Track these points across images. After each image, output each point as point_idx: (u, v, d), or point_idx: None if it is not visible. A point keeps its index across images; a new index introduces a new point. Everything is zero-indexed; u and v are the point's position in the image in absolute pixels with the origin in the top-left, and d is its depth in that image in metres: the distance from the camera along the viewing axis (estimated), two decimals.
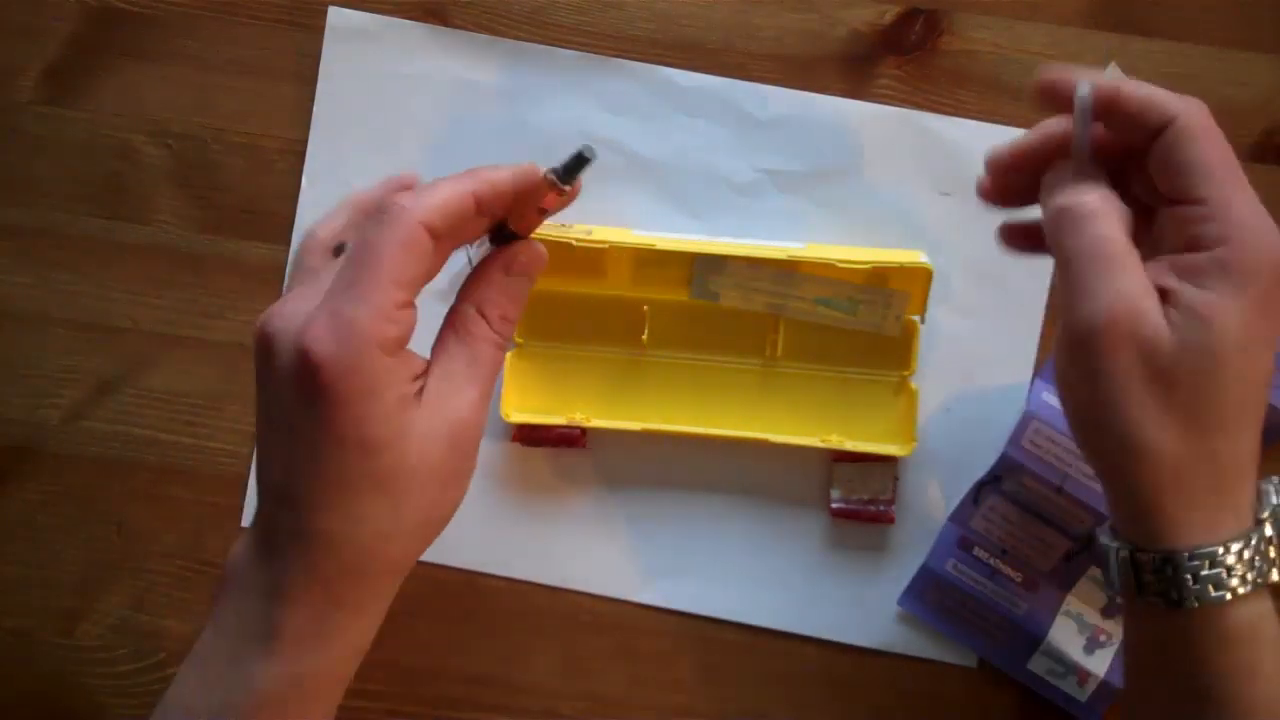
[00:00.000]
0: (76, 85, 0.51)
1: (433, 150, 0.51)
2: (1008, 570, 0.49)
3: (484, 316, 0.35)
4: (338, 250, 0.36)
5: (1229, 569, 0.32)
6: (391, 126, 0.51)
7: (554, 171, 0.34)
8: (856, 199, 0.50)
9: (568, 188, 0.34)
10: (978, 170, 0.50)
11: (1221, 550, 0.32)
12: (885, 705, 0.50)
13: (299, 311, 0.32)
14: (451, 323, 0.35)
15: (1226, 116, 0.50)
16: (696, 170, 0.51)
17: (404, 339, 0.33)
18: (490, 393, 0.35)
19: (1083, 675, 0.48)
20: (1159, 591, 0.33)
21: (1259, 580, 0.32)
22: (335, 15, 0.51)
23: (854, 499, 0.49)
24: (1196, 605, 0.32)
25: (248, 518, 0.51)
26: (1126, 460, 0.33)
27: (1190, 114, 0.33)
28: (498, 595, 0.50)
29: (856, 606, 0.50)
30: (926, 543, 0.50)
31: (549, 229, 0.46)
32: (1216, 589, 0.32)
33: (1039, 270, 0.50)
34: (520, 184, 0.35)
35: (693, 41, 0.51)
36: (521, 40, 0.51)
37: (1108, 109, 0.34)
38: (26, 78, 0.51)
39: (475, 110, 0.51)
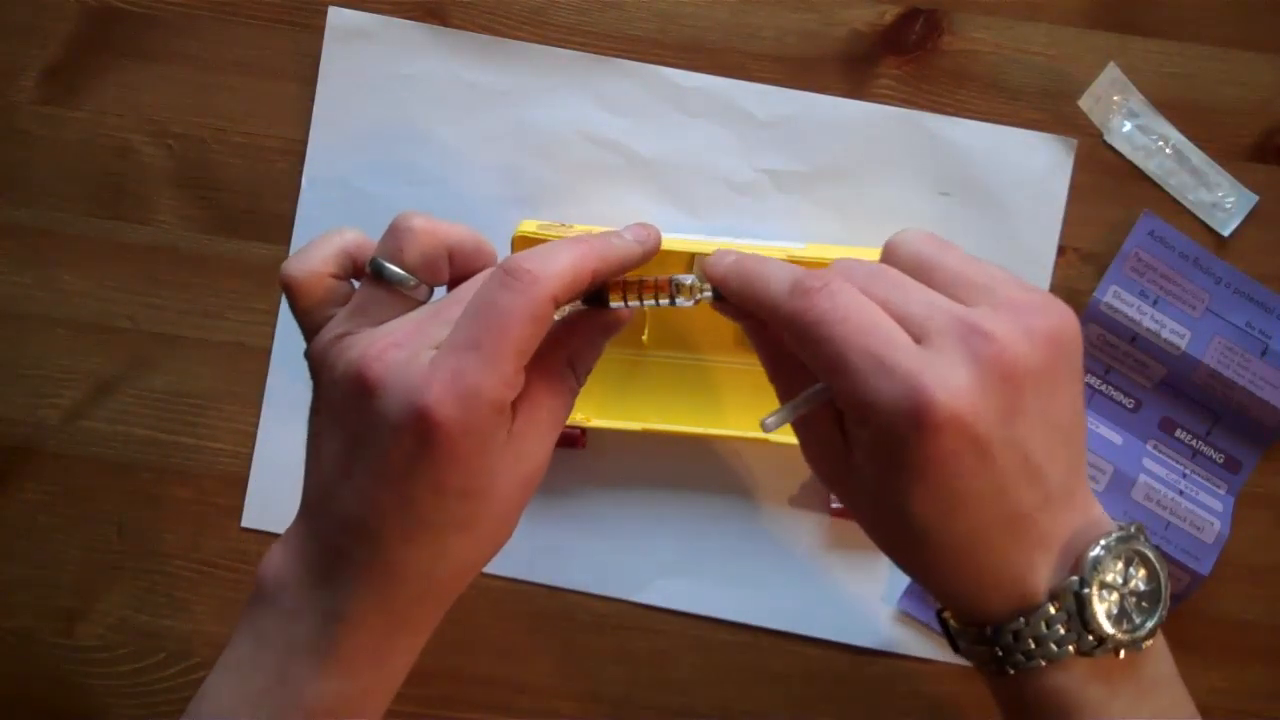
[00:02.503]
0: (76, 85, 0.51)
1: (433, 150, 0.51)
2: None
3: (575, 371, 0.36)
4: (375, 272, 0.34)
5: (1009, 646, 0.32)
6: (391, 126, 0.51)
7: (708, 290, 0.35)
8: (856, 199, 0.50)
9: (698, 300, 0.35)
10: (978, 170, 0.50)
11: (990, 631, 0.33)
12: (885, 705, 0.50)
13: (406, 360, 0.32)
14: (542, 371, 0.35)
15: (1226, 116, 0.50)
16: (696, 170, 0.51)
17: (513, 396, 0.33)
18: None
19: None
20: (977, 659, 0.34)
21: (1047, 655, 0.32)
22: (335, 15, 0.51)
23: None
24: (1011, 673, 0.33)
25: (248, 518, 0.51)
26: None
27: (789, 319, 0.32)
28: (498, 595, 0.50)
29: (856, 606, 0.50)
30: None
31: (547, 230, 0.46)
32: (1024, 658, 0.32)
33: (1039, 270, 0.50)
34: (635, 261, 0.36)
35: (693, 41, 0.51)
36: (521, 40, 0.51)
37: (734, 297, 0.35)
38: (26, 78, 0.51)
39: (475, 110, 0.51)
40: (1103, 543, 0.32)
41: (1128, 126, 0.50)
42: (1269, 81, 0.50)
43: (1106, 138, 0.50)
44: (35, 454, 0.51)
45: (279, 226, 0.51)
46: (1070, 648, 0.32)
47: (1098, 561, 0.31)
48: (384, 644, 0.35)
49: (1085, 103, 0.50)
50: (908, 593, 0.50)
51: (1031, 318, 0.31)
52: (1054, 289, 0.50)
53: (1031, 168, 0.50)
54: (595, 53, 0.51)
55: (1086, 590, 0.31)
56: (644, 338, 0.50)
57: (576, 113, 0.51)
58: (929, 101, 0.50)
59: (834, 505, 0.49)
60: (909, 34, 0.50)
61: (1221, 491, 0.50)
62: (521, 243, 0.45)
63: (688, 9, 0.51)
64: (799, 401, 0.34)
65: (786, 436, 0.48)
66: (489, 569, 0.50)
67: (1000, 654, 0.32)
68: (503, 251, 0.44)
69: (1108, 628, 0.31)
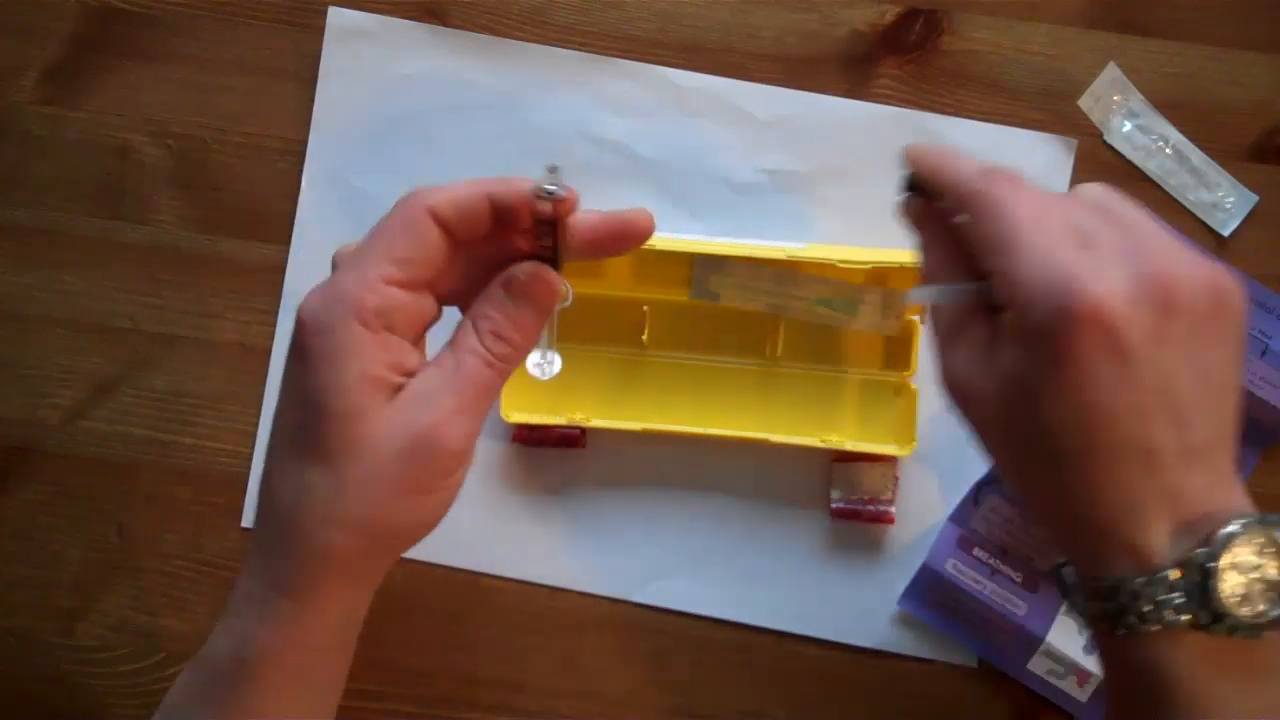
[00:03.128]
0: (76, 85, 0.51)
1: (433, 150, 0.51)
2: (1008, 570, 0.49)
3: (476, 330, 0.35)
4: None
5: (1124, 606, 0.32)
6: (391, 126, 0.51)
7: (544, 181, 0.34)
8: (856, 199, 0.50)
9: (547, 197, 0.34)
10: None
11: (1112, 586, 0.32)
12: (885, 705, 0.50)
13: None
14: (455, 336, 0.35)
15: (1226, 116, 0.50)
16: (696, 170, 0.51)
17: (385, 313, 0.33)
18: (473, 410, 0.34)
19: (1082, 676, 0.48)
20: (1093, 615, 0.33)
21: (1155, 623, 0.31)
22: (335, 15, 0.51)
23: (854, 499, 0.49)
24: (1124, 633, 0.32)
25: (248, 518, 0.51)
26: (1013, 491, 0.36)
27: (972, 195, 0.34)
28: (498, 595, 0.50)
29: (856, 606, 0.50)
30: (926, 543, 0.50)
31: None
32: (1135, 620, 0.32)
33: None
34: (530, 191, 0.34)
35: (693, 41, 0.51)
36: (521, 40, 0.51)
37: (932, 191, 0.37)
38: (26, 78, 0.51)
39: (475, 110, 0.51)
40: (1241, 521, 0.31)
41: (1128, 126, 0.50)
42: (1269, 81, 0.50)
43: (1106, 138, 0.50)
44: (35, 454, 0.51)
45: (279, 226, 0.51)
46: (1186, 618, 0.31)
47: (1231, 538, 0.31)
48: (262, 599, 0.34)
49: (1085, 103, 0.50)
50: (908, 593, 0.50)
51: (1199, 267, 0.32)
52: None
53: (1031, 168, 0.50)
54: (595, 53, 0.51)
55: (1213, 565, 0.30)
56: (644, 338, 0.50)
57: (576, 113, 0.51)
58: (929, 101, 0.50)
59: (834, 505, 0.49)
60: (909, 34, 0.50)
61: None
62: None
63: (688, 9, 0.51)
64: (961, 288, 0.35)
65: (787, 436, 0.48)
66: (489, 569, 0.50)
67: (1114, 612, 0.32)
68: None
69: (1229, 607, 0.31)
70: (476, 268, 0.35)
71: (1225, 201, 0.50)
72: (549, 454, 0.50)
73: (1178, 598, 0.31)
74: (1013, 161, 0.50)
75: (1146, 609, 0.31)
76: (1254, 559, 0.31)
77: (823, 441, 0.48)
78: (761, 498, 0.50)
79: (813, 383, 0.50)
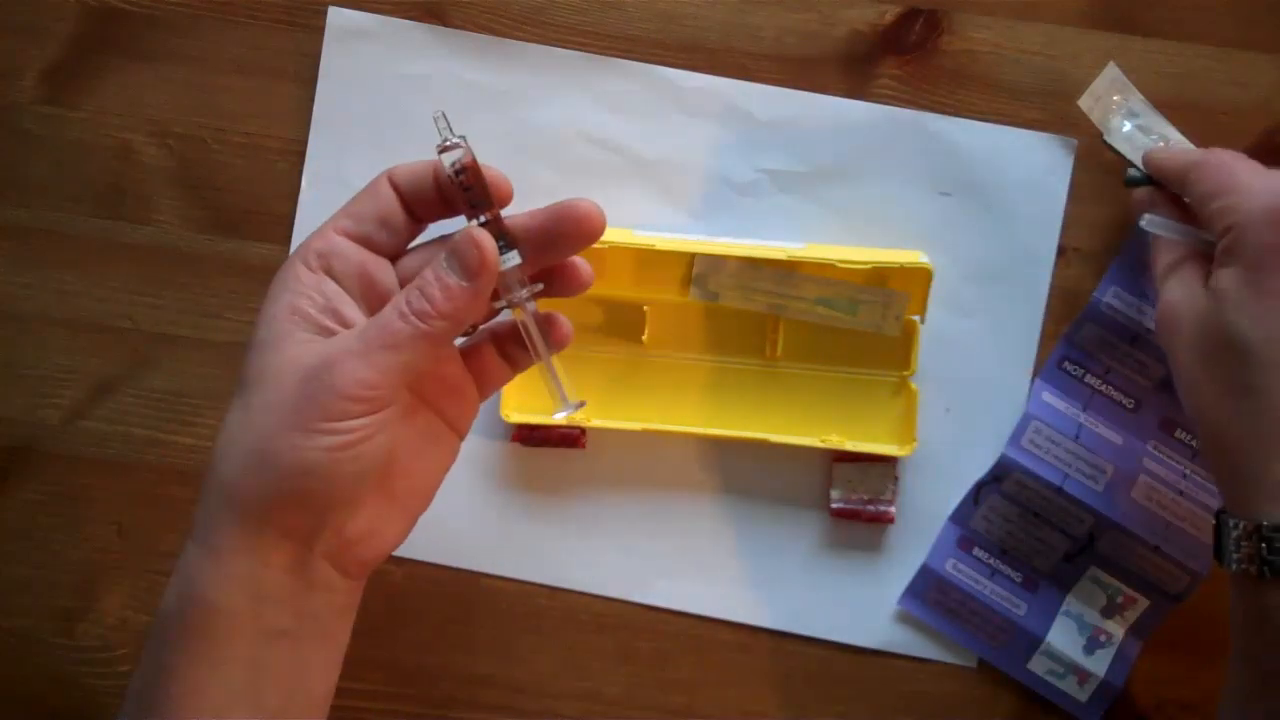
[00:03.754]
0: (76, 85, 0.51)
1: (432, 150, 0.51)
2: (1008, 570, 0.49)
3: (405, 289, 0.35)
4: None
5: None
6: (391, 126, 0.51)
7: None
8: (856, 199, 0.50)
9: (441, 146, 0.37)
10: (978, 170, 0.50)
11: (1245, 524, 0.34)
12: (885, 705, 0.50)
13: None
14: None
15: (1226, 116, 0.50)
16: (696, 170, 0.51)
17: (325, 255, 0.36)
18: (374, 357, 0.34)
19: (1082, 675, 0.48)
20: (1246, 561, 0.35)
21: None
22: (335, 15, 0.51)
23: (854, 499, 0.49)
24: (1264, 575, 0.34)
25: None
26: (1198, 428, 0.38)
27: (1200, 162, 0.41)
28: (498, 595, 0.50)
29: (856, 606, 0.50)
30: (926, 543, 0.50)
31: None
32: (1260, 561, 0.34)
33: (1039, 270, 0.50)
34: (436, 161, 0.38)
35: (693, 41, 0.51)
36: (521, 40, 0.51)
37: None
38: (26, 78, 0.51)
39: (475, 110, 0.51)
40: None
41: (1128, 126, 0.50)
42: (1269, 81, 0.50)
43: (1106, 138, 0.50)
44: (35, 454, 0.51)
45: (279, 226, 0.51)
46: None
47: None
48: (184, 549, 0.35)
49: (1085, 103, 0.50)
50: (908, 593, 0.50)
51: None
52: (1054, 289, 0.50)
53: (1031, 168, 0.50)
54: (595, 53, 0.51)
55: None
56: (644, 338, 0.50)
57: (576, 113, 0.51)
58: (929, 101, 0.50)
59: (834, 505, 0.49)
60: (909, 34, 0.50)
61: None
62: None
63: (688, 9, 0.51)
64: (1184, 227, 0.43)
65: (787, 436, 0.48)
66: (489, 569, 0.50)
67: (1266, 552, 0.33)
68: None
69: None
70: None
71: None
72: (549, 454, 0.50)
73: None
74: (1013, 161, 0.50)
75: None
76: None
77: (823, 441, 0.48)
78: (761, 498, 0.50)
79: (813, 383, 0.50)
